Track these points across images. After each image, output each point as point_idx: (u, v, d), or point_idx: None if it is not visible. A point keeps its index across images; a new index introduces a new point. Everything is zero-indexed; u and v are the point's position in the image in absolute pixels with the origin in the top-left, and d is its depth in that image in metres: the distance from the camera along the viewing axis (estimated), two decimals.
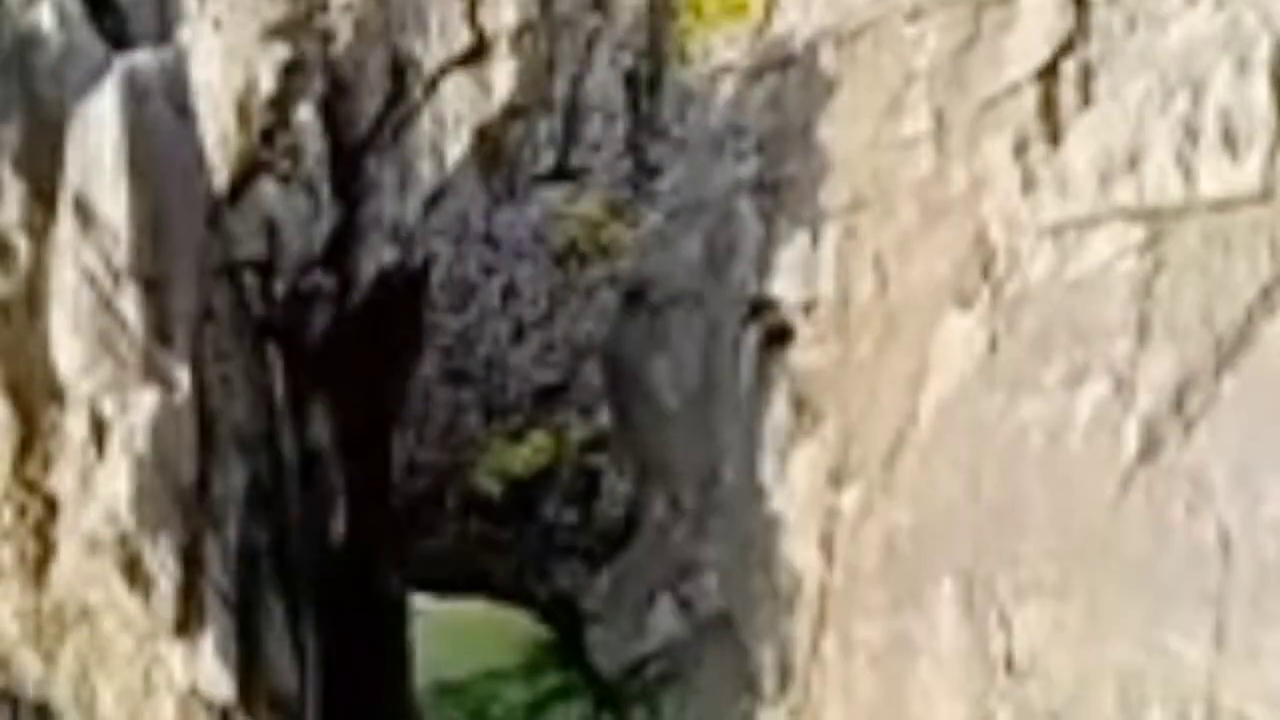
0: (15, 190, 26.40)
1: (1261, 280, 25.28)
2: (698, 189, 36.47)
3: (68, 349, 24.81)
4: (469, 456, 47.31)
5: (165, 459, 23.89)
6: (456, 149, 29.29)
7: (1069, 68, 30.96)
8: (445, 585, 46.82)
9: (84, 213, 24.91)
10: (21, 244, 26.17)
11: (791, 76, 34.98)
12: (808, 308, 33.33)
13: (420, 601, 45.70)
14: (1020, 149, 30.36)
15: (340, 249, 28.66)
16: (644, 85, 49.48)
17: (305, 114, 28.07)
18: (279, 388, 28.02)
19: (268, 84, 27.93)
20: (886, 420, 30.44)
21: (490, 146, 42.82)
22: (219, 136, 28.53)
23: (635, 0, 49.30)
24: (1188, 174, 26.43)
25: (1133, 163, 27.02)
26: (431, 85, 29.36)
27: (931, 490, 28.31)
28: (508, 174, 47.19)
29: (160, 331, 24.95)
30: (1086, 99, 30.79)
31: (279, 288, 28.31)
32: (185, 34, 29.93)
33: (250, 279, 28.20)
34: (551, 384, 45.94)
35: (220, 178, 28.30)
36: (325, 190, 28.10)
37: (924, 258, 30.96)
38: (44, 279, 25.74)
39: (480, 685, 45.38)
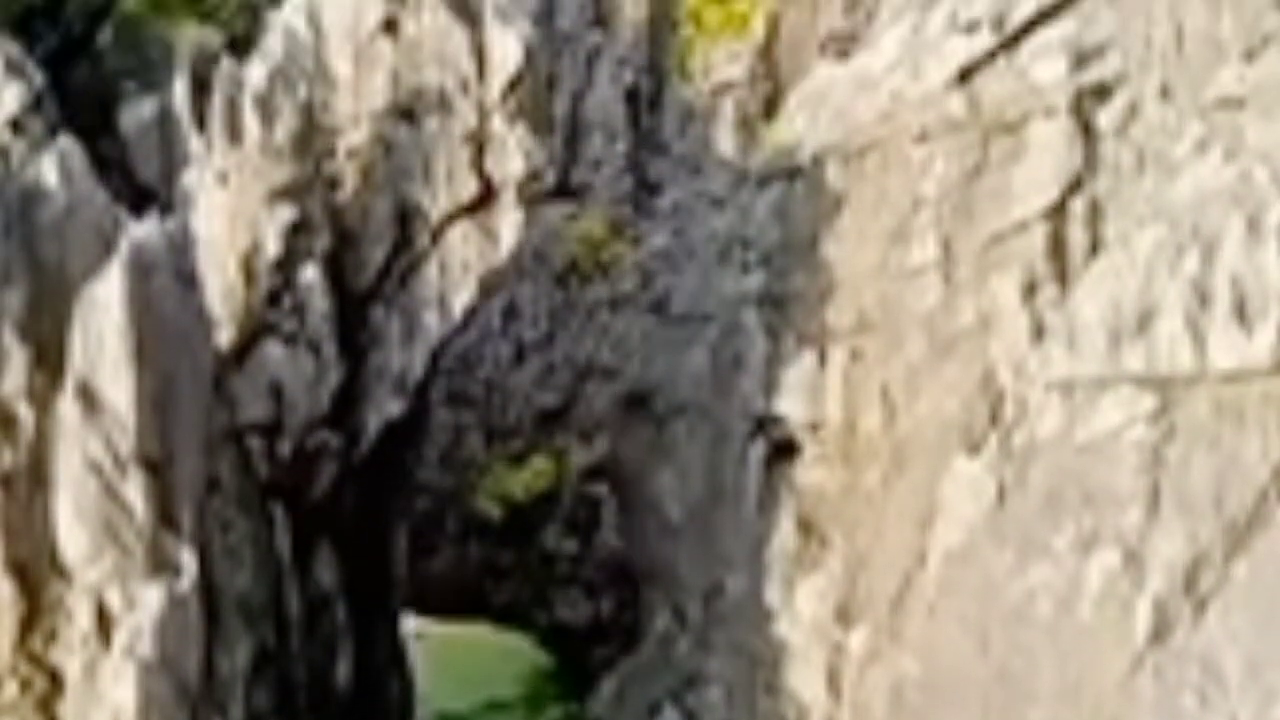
0: (18, 358, 26.24)
1: (1273, 461, 25.17)
2: (703, 298, 36.33)
3: (72, 536, 24.71)
4: (470, 479, 47.23)
5: (171, 659, 23.82)
6: (463, 298, 29.10)
7: (1078, 205, 30.82)
8: (445, 608, 46.71)
9: (88, 398, 24.76)
10: (25, 413, 26.03)
11: (798, 188, 34.78)
12: (814, 427, 33.17)
13: (421, 624, 45.68)
14: (1029, 290, 30.21)
15: (346, 404, 28.55)
16: (645, 102, 49.26)
17: (310, 274, 27.90)
18: (284, 546, 27.91)
19: (273, 247, 27.76)
20: (894, 560, 30.35)
21: None
22: (224, 291, 28.38)
23: (636, 16, 49.03)
24: (1198, 342, 26.29)
25: (1143, 325, 26.85)
26: (438, 233, 29.17)
27: (940, 644, 28.23)
28: None
29: (165, 515, 24.85)
30: (1095, 240, 30.64)
31: (284, 448, 28.18)
32: (190, 178, 29.71)
33: (255, 441, 28.05)
34: (552, 407, 45.79)
35: (225, 334, 28.12)
36: (331, 349, 27.95)
37: (932, 393, 30.80)
38: (48, 448, 25.58)
39: (482, 718, 45.38)
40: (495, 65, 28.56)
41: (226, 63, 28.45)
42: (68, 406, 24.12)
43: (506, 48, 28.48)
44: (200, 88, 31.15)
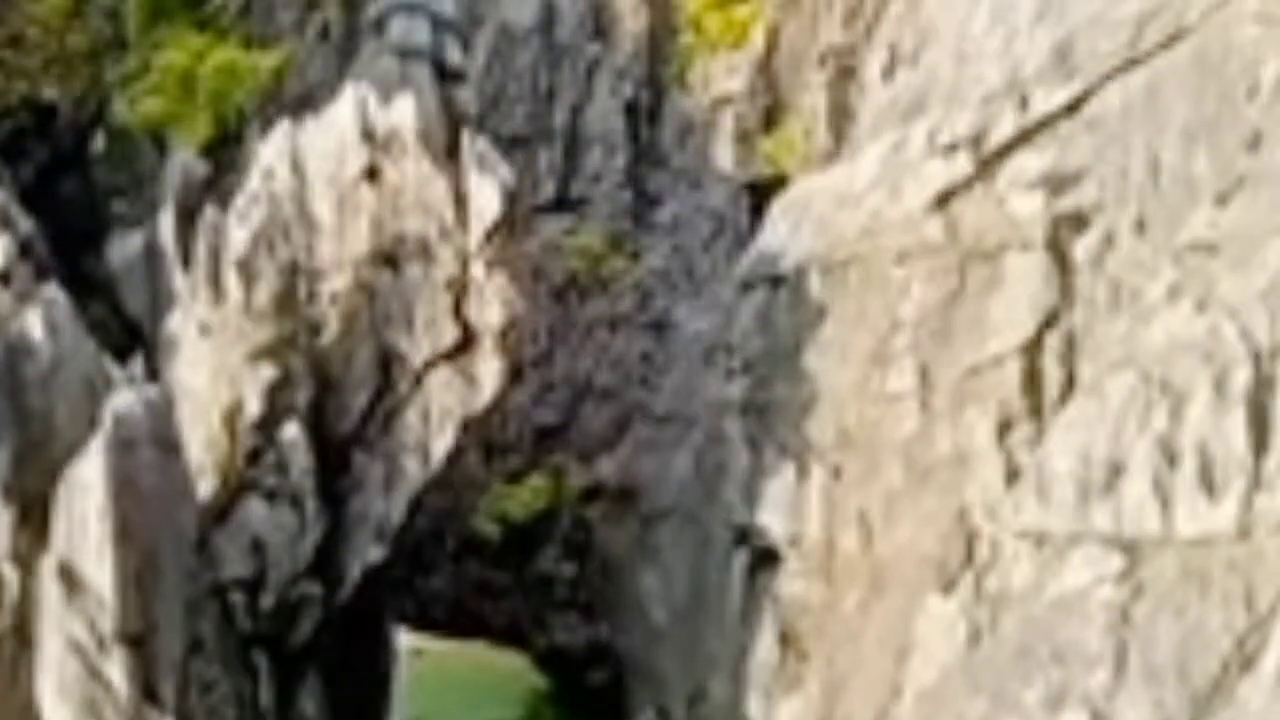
0: (4, 519, 26.79)
1: (1236, 631, 25.58)
2: (688, 400, 36.77)
3: (56, 714, 25.19)
4: (468, 497, 47.65)
5: None
6: (443, 444, 29.55)
7: (1053, 341, 31.25)
8: (442, 626, 47.15)
9: (69, 580, 25.25)
10: (10, 574, 26.51)
11: (781, 296, 35.19)
12: (795, 540, 33.63)
13: (420, 641, 46.14)
14: (1003, 428, 30.66)
15: (327, 553, 29.00)
16: (644, 114, 49.46)
17: (292, 431, 28.33)
18: (267, 694, 28.45)
19: (255, 406, 28.19)
20: (870, 690, 30.88)
21: None
22: (206, 440, 28.81)
23: (636, 28, 49.16)
24: (1165, 505, 26.70)
25: (1111, 482, 27.31)
26: (419, 379, 29.58)
27: None
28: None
29: (147, 689, 25.33)
30: (1070, 376, 31.08)
31: (267, 601, 28.67)
32: (175, 322, 30.14)
33: (237, 596, 28.54)
34: (550, 425, 46.07)
35: (207, 484, 28.59)
36: (313, 504, 28.41)
37: (909, 523, 31.28)
38: (33, 609, 26.08)
39: None
40: (476, 213, 28.89)
41: (210, 212, 28.75)
42: (50, 585, 24.56)
43: (487, 196, 28.83)
44: (187, 217, 31.42)
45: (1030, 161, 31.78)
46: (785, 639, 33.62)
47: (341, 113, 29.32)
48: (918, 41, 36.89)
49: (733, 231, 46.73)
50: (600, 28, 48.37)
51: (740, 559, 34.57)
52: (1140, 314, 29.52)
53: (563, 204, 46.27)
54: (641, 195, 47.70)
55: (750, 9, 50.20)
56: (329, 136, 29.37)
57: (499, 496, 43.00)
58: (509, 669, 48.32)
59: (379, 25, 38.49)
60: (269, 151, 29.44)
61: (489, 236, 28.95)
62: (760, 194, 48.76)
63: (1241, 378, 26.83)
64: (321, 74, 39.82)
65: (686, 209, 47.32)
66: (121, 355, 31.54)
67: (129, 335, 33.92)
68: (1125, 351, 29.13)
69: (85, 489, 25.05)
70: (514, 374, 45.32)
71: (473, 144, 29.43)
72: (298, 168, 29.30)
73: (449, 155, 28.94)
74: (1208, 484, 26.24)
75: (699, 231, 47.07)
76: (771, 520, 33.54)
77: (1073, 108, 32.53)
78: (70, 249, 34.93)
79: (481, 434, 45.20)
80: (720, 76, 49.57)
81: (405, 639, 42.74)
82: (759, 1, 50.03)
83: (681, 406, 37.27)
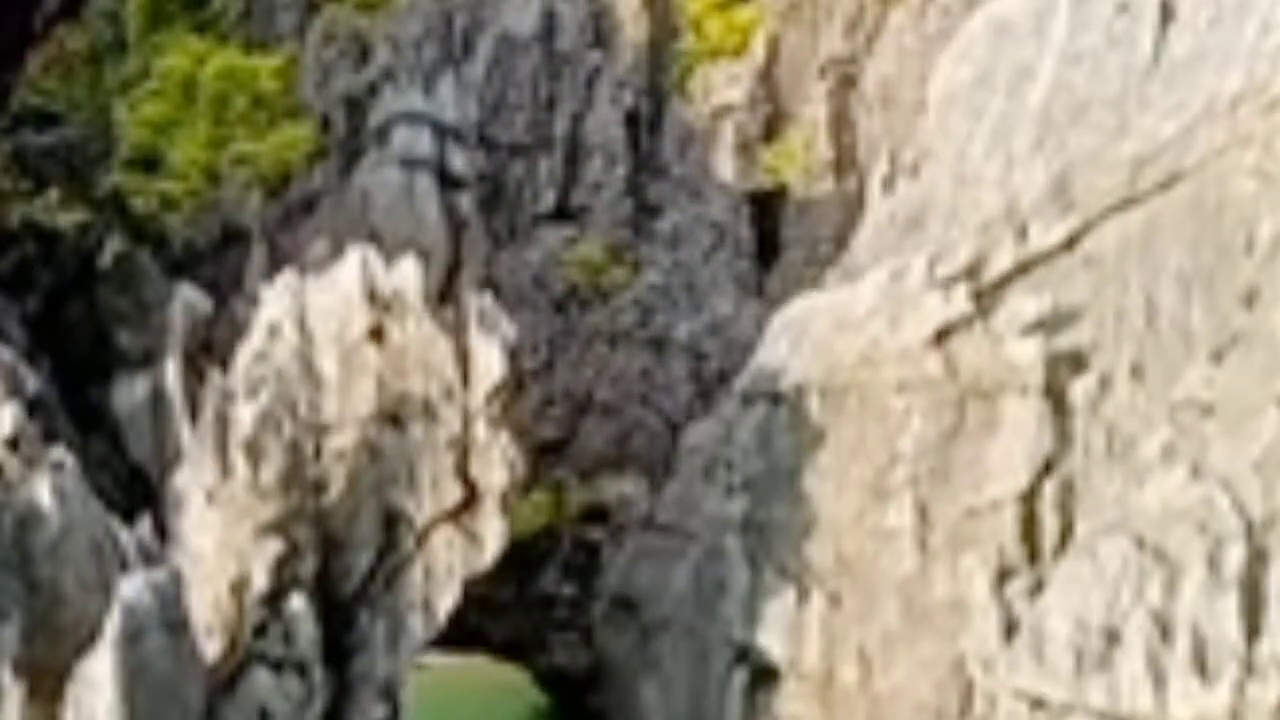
0: (15, 695, 27.14)
1: None
2: (688, 514, 37.18)
3: None
4: None
5: None
6: (447, 601, 29.99)
7: (1049, 488, 31.64)
8: (444, 640, 47.41)
9: None
10: None
11: (780, 414, 35.54)
12: (793, 662, 34.11)
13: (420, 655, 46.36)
14: (1000, 578, 31.06)
15: (333, 715, 29.46)
16: (645, 124, 49.61)
17: (297, 603, 28.75)
18: None
19: (261, 581, 28.60)
20: None
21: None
22: (212, 602, 29.24)
23: (637, 37, 49.24)
24: (1159, 684, 27.16)
25: (1107, 655, 27.70)
26: (422, 538, 29.99)
27: None
28: (508, 214, 47.54)
29: None
30: (1067, 523, 31.50)
31: None
32: (182, 479, 30.53)
33: None
34: (551, 439, 46.32)
35: (213, 647, 29.03)
36: (318, 672, 28.83)
37: (906, 666, 31.76)
38: None
39: None
40: (479, 373, 29.24)
41: (216, 378, 29.06)
42: None
43: (489, 356, 29.16)
44: (192, 361, 31.76)
45: (1028, 303, 32.06)
46: None
47: (346, 273, 29.62)
48: (918, 154, 37.11)
49: (733, 242, 46.79)
50: (600, 36, 48.36)
51: (740, 676, 35.04)
52: (1135, 472, 29.88)
53: (563, 213, 46.30)
54: (642, 205, 47.77)
55: (752, 14, 50.19)
56: (333, 295, 29.67)
57: None
58: (510, 684, 48.59)
59: (382, 133, 38.71)
60: (274, 309, 29.71)
61: (492, 396, 29.20)
62: (761, 204, 49.04)
63: (1235, 555, 27.26)
64: (324, 180, 39.98)
65: (687, 219, 47.42)
66: (127, 494, 31.91)
67: (133, 477, 34.23)
68: (1120, 513, 29.52)
69: (94, 685, 25.52)
70: (515, 386, 45.67)
71: (476, 302, 29.66)
72: (303, 326, 29.56)
73: (451, 316, 29.06)
74: (1201, 666, 26.71)
75: (699, 243, 47.21)
76: (771, 641, 33.99)
77: (1070, 243, 32.77)
78: (75, 380, 35.24)
79: None
80: (721, 86, 49.63)
81: None
82: (760, 8, 50.03)
83: (682, 518, 37.66)
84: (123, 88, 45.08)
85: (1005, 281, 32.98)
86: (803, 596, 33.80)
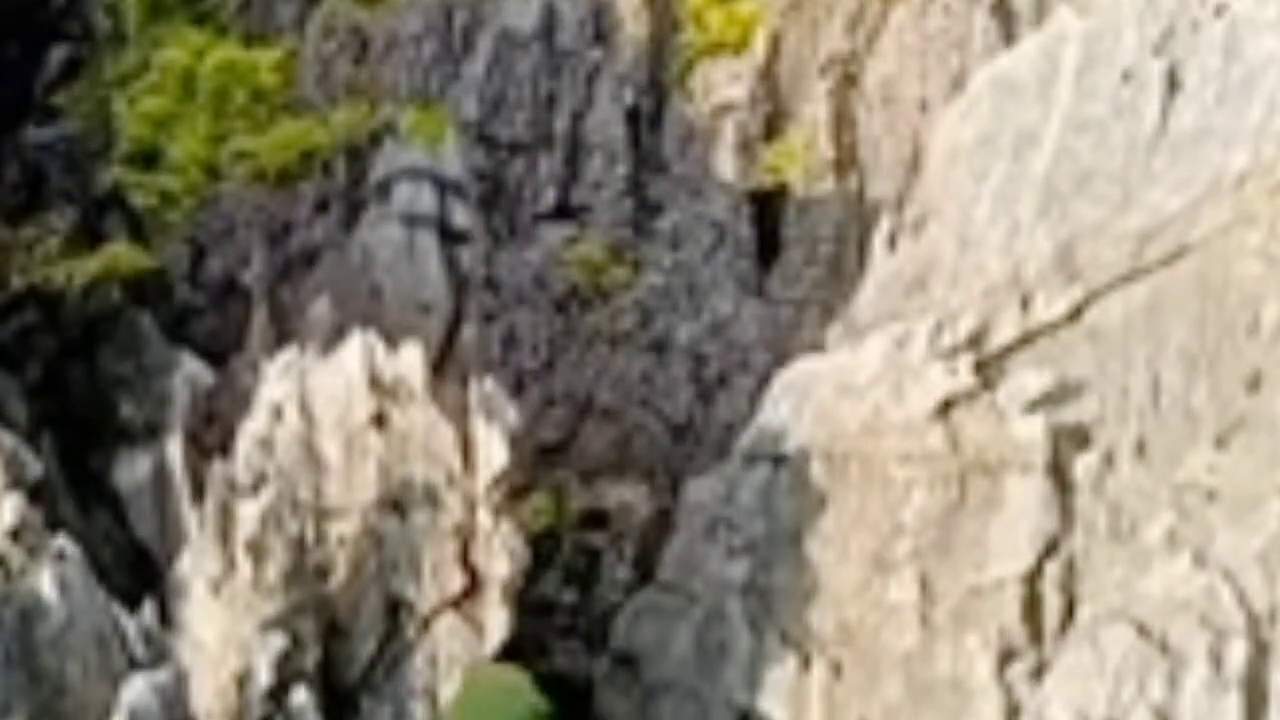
0: None
1: None
2: (690, 574, 37.19)
3: None
4: None
5: None
6: (449, 689, 30.05)
7: (1052, 568, 31.66)
8: None
9: None
10: None
11: (783, 477, 35.56)
12: None
13: None
14: (1004, 659, 31.10)
15: None
16: (645, 121, 49.47)
17: (300, 696, 28.80)
18: None
19: (264, 676, 28.65)
20: None
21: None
22: (215, 690, 29.33)
23: (637, 32, 49.06)
24: None
25: None
26: (426, 626, 30.04)
27: None
28: (508, 212, 47.50)
29: None
30: (1070, 603, 31.52)
31: None
32: (184, 566, 30.58)
33: None
34: (551, 441, 46.27)
35: None
36: None
37: None
38: None
39: None
40: (482, 461, 29.22)
41: (219, 468, 29.08)
42: None
43: (492, 444, 29.17)
44: (192, 438, 31.78)
45: (1031, 378, 32.01)
46: None
47: (348, 356, 29.58)
48: (920, 212, 37.02)
49: (733, 242, 46.64)
50: (601, 32, 47.88)
51: None
52: (1138, 556, 29.93)
53: (563, 212, 46.04)
54: (643, 204, 47.52)
55: (753, 8, 49.96)
56: (336, 379, 29.64)
57: None
58: (509, 685, 48.36)
59: (383, 188, 38.58)
60: (276, 390, 29.66)
61: (496, 483, 29.20)
62: (761, 204, 48.91)
63: (1238, 651, 27.34)
64: (325, 233, 39.88)
65: (687, 218, 47.11)
66: (131, 571, 31.92)
67: (137, 555, 34.24)
68: (1123, 599, 29.57)
69: None
70: (516, 386, 45.64)
71: (480, 389, 29.66)
72: (304, 408, 29.53)
73: (454, 402, 29.05)
74: None
75: (700, 242, 47.01)
76: (772, 707, 34.11)
77: (1074, 315, 32.72)
78: (79, 450, 35.20)
79: None
80: (722, 84, 49.26)
81: None
82: (761, 4, 49.81)
83: (684, 577, 37.67)
84: (121, 81, 44.83)
85: (1009, 351, 32.86)
86: (805, 664, 33.83)
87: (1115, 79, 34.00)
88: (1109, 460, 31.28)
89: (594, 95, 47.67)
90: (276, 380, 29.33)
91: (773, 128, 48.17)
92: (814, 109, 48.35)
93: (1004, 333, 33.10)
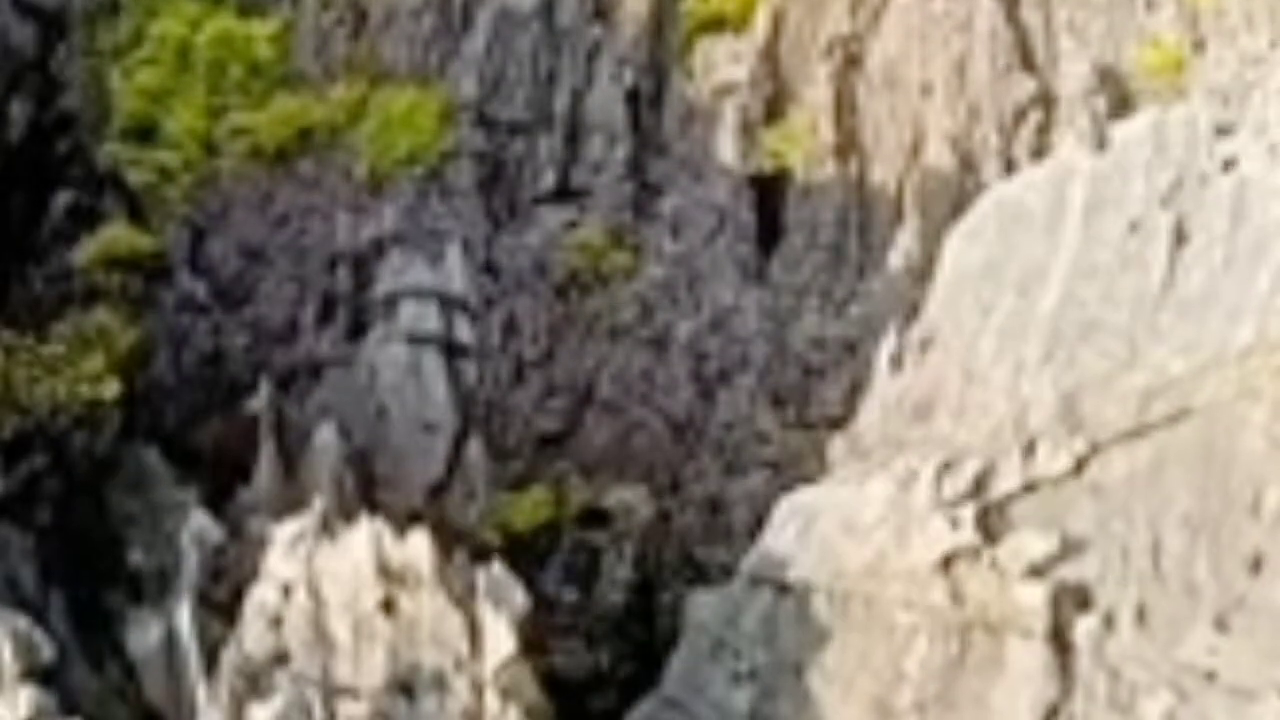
0: None
1: None
2: (694, 696, 37.59)
3: None
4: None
5: None
6: None
7: None
8: None
9: None
10: None
11: (787, 605, 35.85)
12: None
13: None
14: None
15: None
16: (646, 101, 49.47)
17: None
18: None
19: None
20: None
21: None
22: None
23: (638, 10, 48.99)
24: None
25: None
26: None
27: None
28: (508, 193, 47.66)
29: None
30: None
31: None
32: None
33: None
34: (552, 432, 46.52)
35: None
36: None
37: None
38: None
39: None
40: (489, 646, 29.56)
41: (229, 654, 29.45)
42: None
43: (499, 630, 29.49)
44: (202, 597, 32.10)
45: (1034, 541, 32.26)
46: None
47: (356, 544, 29.84)
48: (926, 333, 37.09)
49: (734, 226, 46.56)
50: (601, 10, 47.78)
51: None
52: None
53: (563, 193, 45.96)
54: (643, 185, 47.44)
55: None
56: (344, 563, 29.89)
57: (501, 505, 43.04)
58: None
59: (388, 305, 38.60)
60: (284, 568, 29.98)
61: (502, 669, 29.56)
62: (763, 188, 48.87)
63: None
64: (330, 350, 39.96)
65: (688, 202, 47.01)
66: None
67: (147, 716, 34.61)
68: None
69: None
70: (516, 375, 45.83)
71: (488, 575, 29.98)
72: (313, 589, 29.85)
73: (461, 590, 29.36)
74: None
75: (701, 227, 46.95)
76: None
77: (1078, 468, 32.89)
78: (90, 597, 35.49)
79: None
80: (723, 63, 49.04)
81: None
82: None
83: (689, 697, 37.99)
84: (116, 53, 44.63)
85: (1011, 500, 33.06)
86: None
87: (1123, 226, 33.97)
88: (1110, 623, 31.57)
89: (594, 74, 47.43)
90: (284, 556, 29.56)
91: (774, 110, 47.88)
92: (816, 92, 48.08)
93: (1007, 481, 33.29)
